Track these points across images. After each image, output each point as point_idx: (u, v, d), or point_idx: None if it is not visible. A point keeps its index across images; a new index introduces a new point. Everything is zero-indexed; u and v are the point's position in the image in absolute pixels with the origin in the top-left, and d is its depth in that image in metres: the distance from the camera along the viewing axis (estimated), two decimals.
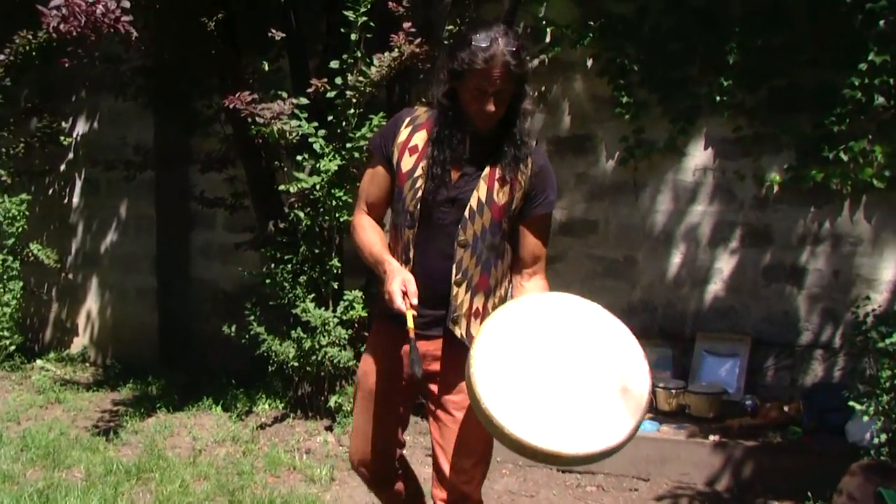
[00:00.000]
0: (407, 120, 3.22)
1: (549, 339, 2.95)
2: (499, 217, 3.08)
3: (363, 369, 3.36)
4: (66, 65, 5.92)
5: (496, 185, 3.06)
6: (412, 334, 2.96)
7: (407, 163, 3.14)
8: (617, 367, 2.92)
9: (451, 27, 6.27)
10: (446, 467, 3.20)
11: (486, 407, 2.76)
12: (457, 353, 3.07)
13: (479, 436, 3.09)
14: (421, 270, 3.09)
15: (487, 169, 3.07)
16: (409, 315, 2.96)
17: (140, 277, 8.19)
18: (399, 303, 2.96)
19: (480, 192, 3.06)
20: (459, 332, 3.12)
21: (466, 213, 3.06)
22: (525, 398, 2.81)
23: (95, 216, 8.46)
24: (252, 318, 6.26)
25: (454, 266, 3.08)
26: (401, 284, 2.98)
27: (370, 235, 3.24)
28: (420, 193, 3.10)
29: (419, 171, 3.11)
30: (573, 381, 2.87)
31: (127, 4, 5.16)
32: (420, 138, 3.15)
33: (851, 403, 4.86)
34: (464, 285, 3.09)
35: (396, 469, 3.47)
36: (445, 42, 6.34)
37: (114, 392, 7.29)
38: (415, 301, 2.97)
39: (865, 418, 4.80)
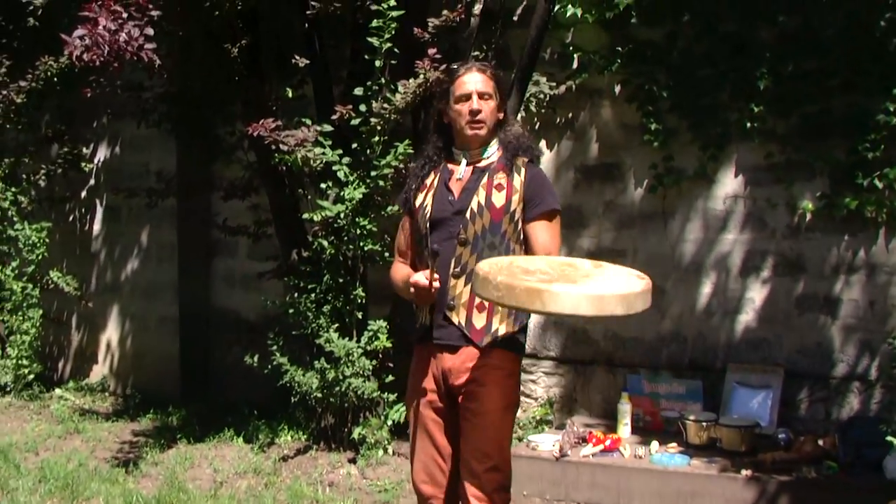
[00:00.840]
0: (416, 168, 3.76)
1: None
2: (498, 218, 3.47)
3: (409, 396, 3.69)
4: (89, 94, 6.02)
5: (493, 190, 3.49)
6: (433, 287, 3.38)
7: (420, 199, 3.63)
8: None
9: (476, 53, 6.33)
10: (461, 469, 3.45)
11: (500, 280, 2.93)
12: (481, 365, 3.44)
13: (493, 440, 3.41)
14: (440, 278, 3.42)
15: (486, 178, 3.52)
16: (434, 286, 3.36)
17: (161, 306, 8.22)
18: (424, 282, 3.36)
19: (480, 196, 3.49)
20: (457, 319, 3.47)
21: (468, 214, 3.48)
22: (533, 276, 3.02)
23: (117, 243, 8.54)
24: (275, 347, 6.27)
25: (453, 260, 3.45)
26: (422, 276, 3.41)
27: (401, 269, 3.69)
28: (428, 213, 3.55)
29: (428, 199, 3.59)
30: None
31: (150, 32, 5.22)
32: (430, 178, 3.66)
33: (890, 438, 4.82)
34: (462, 278, 3.44)
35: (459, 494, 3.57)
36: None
37: (134, 422, 7.30)
38: (436, 283, 3.36)
39: None
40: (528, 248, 3.50)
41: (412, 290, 3.44)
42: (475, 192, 3.50)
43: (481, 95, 3.52)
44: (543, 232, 3.49)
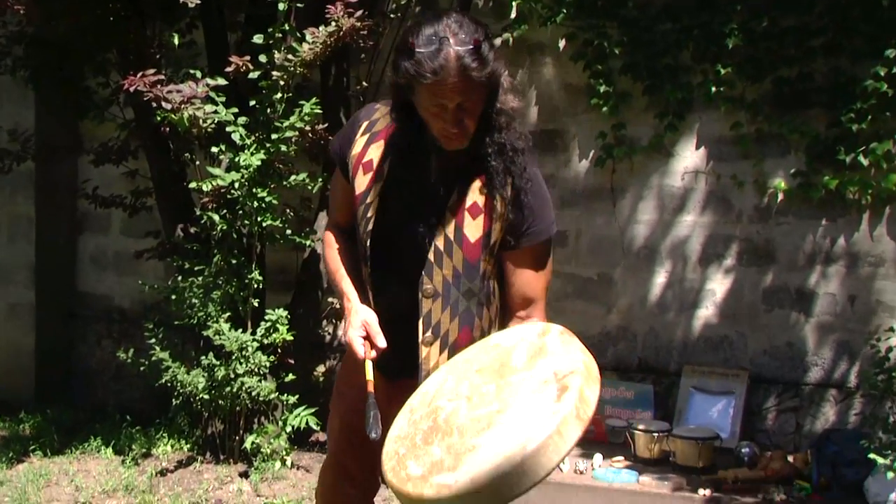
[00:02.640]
0: (364, 125, 3.09)
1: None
2: (474, 257, 2.92)
3: (342, 388, 3.39)
4: None
5: (466, 216, 2.90)
6: (370, 388, 2.92)
7: (360, 182, 3.03)
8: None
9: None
10: None
11: (388, 478, 2.69)
12: None
13: None
14: (384, 324, 3.00)
15: (455, 195, 2.91)
16: (368, 366, 2.96)
17: (14, 291, 8.01)
18: (359, 350, 2.96)
19: (447, 228, 2.91)
20: None
21: (431, 255, 2.92)
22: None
23: None
24: (153, 340, 6.14)
25: (421, 322, 2.95)
26: (360, 329, 2.99)
27: (336, 256, 3.22)
28: (370, 226, 3.00)
29: (371, 198, 3.00)
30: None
31: None
32: (375, 152, 3.03)
33: (872, 456, 4.84)
34: (436, 345, 2.97)
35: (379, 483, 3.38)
36: (391, 16, 6.31)
37: None
38: (380, 342, 2.96)
39: (890, 475, 4.76)
40: (502, 286, 3.03)
41: (345, 340, 3.05)
42: (440, 215, 2.91)
43: (462, 107, 2.77)
44: (526, 271, 2.99)
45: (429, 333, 2.96)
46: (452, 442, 2.59)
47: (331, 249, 3.24)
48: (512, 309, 3.04)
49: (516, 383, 2.64)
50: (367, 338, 2.98)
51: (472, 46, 2.71)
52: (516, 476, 2.43)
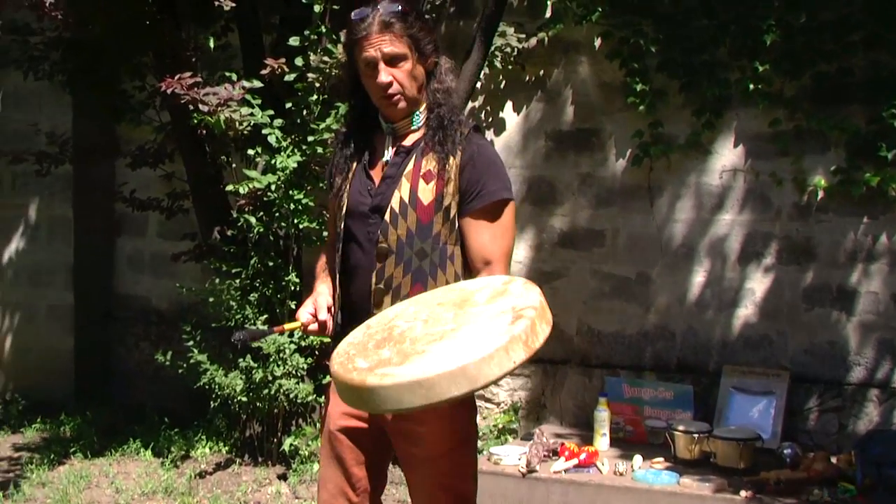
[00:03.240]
0: (342, 138, 3.38)
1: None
2: (427, 218, 3.10)
3: (327, 409, 3.34)
4: None
5: (420, 181, 3.11)
6: (277, 330, 3.34)
7: (337, 182, 3.29)
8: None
9: None
10: None
11: (334, 369, 2.76)
12: None
13: (449, 490, 3.13)
14: (351, 295, 3.17)
15: (410, 165, 3.14)
16: (295, 324, 3.24)
17: (52, 293, 8.07)
18: (301, 317, 3.22)
19: (402, 191, 3.12)
20: None
21: (388, 216, 3.11)
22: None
23: None
24: (191, 343, 6.19)
25: (374, 275, 3.11)
26: (310, 307, 3.23)
27: (319, 267, 3.44)
28: (343, 210, 3.21)
29: (342, 186, 3.25)
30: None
31: None
32: (352, 157, 3.30)
33: None
34: (388, 296, 3.09)
35: None
36: (427, 16, 6.28)
37: (16, 434, 7.18)
38: (321, 315, 3.19)
39: None
40: (465, 252, 3.16)
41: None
42: (397, 183, 3.14)
43: (390, 61, 3.08)
44: (482, 233, 3.11)
45: (381, 285, 3.09)
46: (403, 347, 2.68)
47: (319, 264, 3.45)
48: (473, 272, 3.15)
49: (474, 313, 2.76)
50: (315, 316, 3.21)
51: (396, 9, 3.09)
52: (457, 377, 2.52)
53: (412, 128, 3.18)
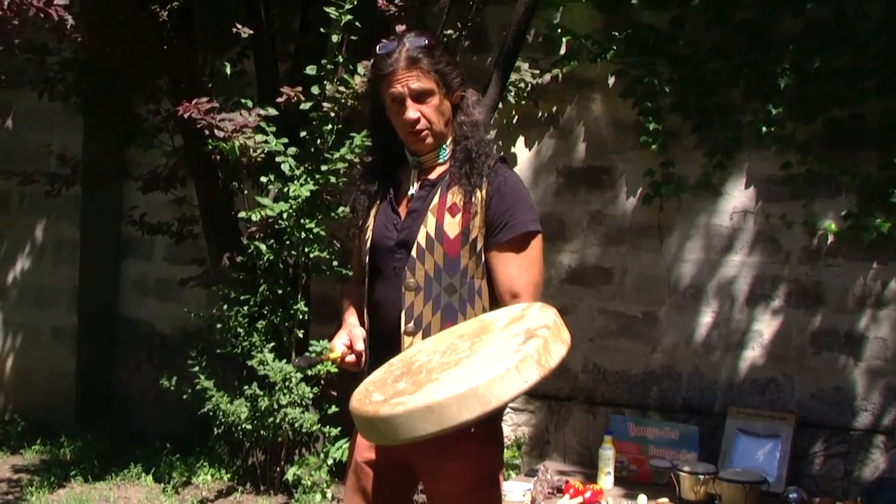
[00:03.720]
0: (366, 171, 3.40)
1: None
2: (454, 252, 3.07)
3: (353, 441, 3.32)
4: None
5: (446, 215, 3.09)
6: (325, 358, 3.19)
7: (361, 215, 3.29)
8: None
9: (449, 32, 6.24)
10: None
11: (353, 406, 2.74)
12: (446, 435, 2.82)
13: None
14: (382, 332, 3.12)
15: (436, 199, 3.12)
16: (336, 353, 3.13)
17: (56, 314, 8.08)
18: (336, 348, 3.13)
19: (428, 225, 3.09)
20: None
21: (414, 251, 3.09)
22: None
23: (3, 237, 8.36)
24: (197, 368, 6.18)
25: (403, 314, 3.07)
26: (344, 338, 3.15)
27: (346, 300, 3.38)
28: (368, 244, 3.20)
29: (368, 220, 3.24)
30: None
31: None
32: (378, 192, 3.29)
33: None
34: (418, 336, 3.05)
35: None
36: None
37: (15, 455, 7.17)
38: (358, 346, 3.11)
39: None
40: (492, 286, 3.12)
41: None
42: (423, 217, 3.11)
43: (417, 97, 3.07)
44: (509, 265, 3.08)
45: (411, 324, 3.06)
46: (419, 378, 2.68)
47: (346, 295, 3.41)
48: (501, 305, 3.11)
49: (489, 339, 2.76)
50: (351, 347, 3.12)
51: (423, 44, 3.09)
52: (467, 399, 2.49)
53: (438, 161, 3.17)
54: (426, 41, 3.10)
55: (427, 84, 3.07)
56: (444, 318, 3.05)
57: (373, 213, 3.23)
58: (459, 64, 3.26)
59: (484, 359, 2.63)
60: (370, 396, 2.69)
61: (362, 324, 3.20)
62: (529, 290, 3.09)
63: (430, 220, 3.09)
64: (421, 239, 3.08)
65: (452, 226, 3.07)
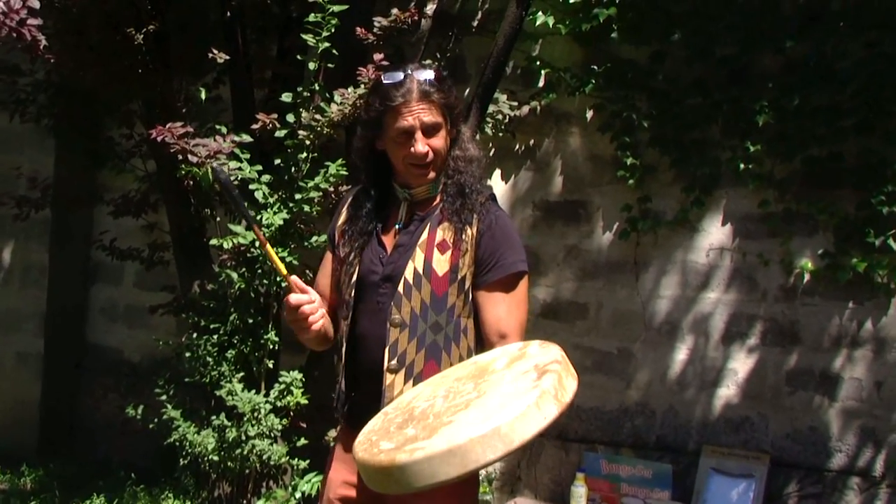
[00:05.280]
0: (349, 200, 3.34)
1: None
2: (441, 290, 3.06)
3: (326, 476, 3.31)
4: None
5: (435, 251, 3.07)
6: (258, 233, 3.15)
7: (344, 246, 3.23)
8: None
9: (428, 61, 6.21)
10: None
11: (359, 457, 2.68)
12: None
13: None
14: (362, 367, 3.11)
15: (425, 235, 3.10)
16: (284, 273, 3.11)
17: (21, 339, 8.03)
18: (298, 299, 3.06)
19: (416, 261, 3.07)
20: None
21: (401, 287, 3.06)
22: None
23: None
24: (164, 398, 6.10)
25: (387, 350, 3.04)
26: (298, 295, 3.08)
27: None
28: (354, 278, 3.15)
29: (354, 254, 3.18)
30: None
31: (36, 4, 5.00)
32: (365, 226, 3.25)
33: None
34: (401, 373, 3.04)
35: None
36: None
37: None
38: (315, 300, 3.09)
39: None
40: (478, 325, 3.12)
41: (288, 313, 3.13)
42: (410, 252, 3.09)
43: (427, 130, 3.07)
44: (498, 305, 3.07)
45: (394, 361, 3.04)
46: (428, 423, 2.62)
47: None
48: (488, 346, 3.09)
49: (495, 379, 2.71)
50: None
51: (432, 76, 3.08)
52: (490, 440, 2.44)
53: (429, 195, 3.16)
54: (434, 73, 3.09)
55: (437, 118, 3.06)
56: (428, 356, 3.04)
57: (359, 245, 3.19)
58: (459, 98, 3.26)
59: (498, 398, 2.59)
60: (377, 446, 2.62)
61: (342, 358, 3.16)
62: (517, 330, 3.08)
63: (419, 256, 3.07)
64: (408, 275, 3.06)
65: (441, 263, 3.06)
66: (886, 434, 5.79)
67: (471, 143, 3.21)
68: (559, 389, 2.56)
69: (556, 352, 2.73)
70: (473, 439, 2.44)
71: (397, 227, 3.15)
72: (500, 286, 3.08)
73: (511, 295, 3.09)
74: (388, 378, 3.03)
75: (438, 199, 3.15)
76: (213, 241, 5.94)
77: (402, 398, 2.90)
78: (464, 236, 3.06)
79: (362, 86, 5.51)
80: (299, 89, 5.76)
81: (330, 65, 5.77)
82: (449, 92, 3.12)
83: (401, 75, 3.07)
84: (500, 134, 6.58)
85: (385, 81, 3.09)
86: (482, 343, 3.10)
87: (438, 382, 2.88)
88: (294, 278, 3.06)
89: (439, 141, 3.08)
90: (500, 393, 2.60)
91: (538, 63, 6.51)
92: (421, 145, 3.03)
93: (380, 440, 2.65)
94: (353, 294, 3.13)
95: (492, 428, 2.44)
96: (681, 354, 6.32)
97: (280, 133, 5.73)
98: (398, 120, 3.03)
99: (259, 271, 5.90)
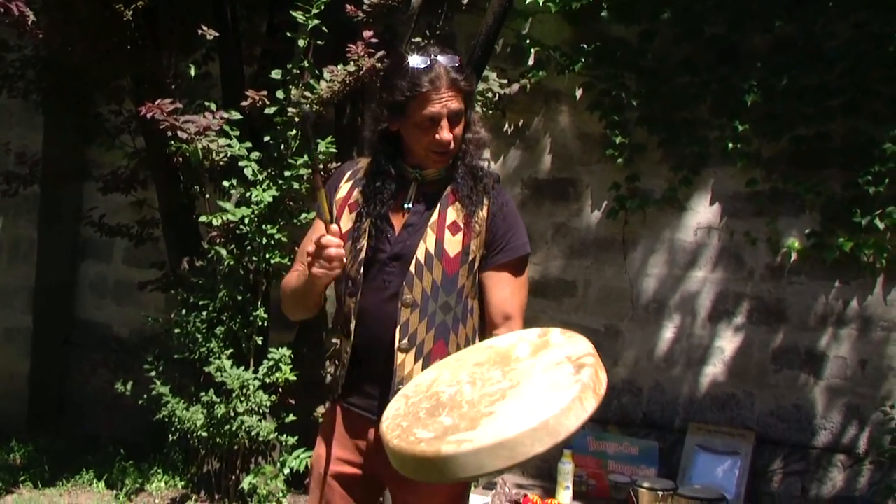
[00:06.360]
0: (348, 174, 3.29)
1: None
2: (453, 270, 3.05)
3: (317, 453, 3.30)
4: None
5: (447, 232, 3.06)
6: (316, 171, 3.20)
7: (347, 221, 3.18)
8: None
9: (417, 39, 6.21)
10: None
11: (393, 444, 2.64)
12: None
13: None
14: (366, 344, 3.10)
15: (436, 214, 3.08)
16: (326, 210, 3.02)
17: (10, 315, 7.98)
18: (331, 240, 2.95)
19: (428, 242, 3.06)
20: None
21: (412, 267, 3.05)
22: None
23: None
24: (154, 374, 6.09)
25: (398, 330, 3.04)
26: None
27: (292, 277, 3.29)
28: (362, 255, 3.12)
29: (362, 230, 3.14)
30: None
31: None
32: (360, 194, 3.22)
33: None
34: (411, 353, 3.04)
35: None
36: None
37: None
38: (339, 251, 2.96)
39: None
40: (482, 304, 3.12)
41: (311, 259, 2.96)
42: (421, 233, 3.07)
43: (452, 118, 3.02)
44: (504, 287, 3.09)
45: (405, 341, 3.03)
46: (464, 412, 2.62)
47: (287, 283, 3.32)
48: (491, 326, 3.12)
49: (524, 368, 2.72)
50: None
51: (457, 63, 3.03)
52: (539, 433, 2.45)
53: (438, 176, 3.12)
54: (458, 59, 3.05)
55: (461, 105, 3.03)
56: (438, 336, 3.05)
57: (366, 225, 3.14)
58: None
59: (536, 390, 2.59)
60: (411, 434, 2.60)
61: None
62: (520, 312, 3.12)
63: (430, 237, 3.06)
64: (420, 255, 3.05)
65: (453, 244, 3.05)
66: (870, 412, 5.84)
67: (481, 126, 3.19)
68: (597, 383, 2.58)
69: (587, 344, 2.73)
70: (523, 433, 2.45)
71: (407, 206, 3.13)
72: (509, 268, 3.10)
73: (517, 278, 3.12)
74: (399, 357, 3.03)
75: (447, 180, 3.12)
76: (203, 218, 5.93)
77: (418, 380, 2.89)
78: (476, 218, 3.06)
79: (352, 63, 5.51)
80: (289, 66, 5.73)
81: (319, 42, 5.75)
82: (471, 78, 3.11)
83: (427, 60, 3.00)
84: (490, 112, 6.55)
85: (413, 66, 3.01)
86: (485, 323, 3.12)
87: (455, 366, 2.87)
88: (335, 227, 2.99)
89: (461, 128, 3.06)
90: (537, 384, 2.61)
91: (528, 41, 6.52)
92: (446, 133, 3.00)
93: (412, 427, 2.64)
94: (361, 272, 3.10)
95: (540, 421, 2.46)
96: (668, 332, 6.36)
97: (270, 110, 5.71)
98: (426, 106, 2.99)
99: (248, 248, 5.88)
